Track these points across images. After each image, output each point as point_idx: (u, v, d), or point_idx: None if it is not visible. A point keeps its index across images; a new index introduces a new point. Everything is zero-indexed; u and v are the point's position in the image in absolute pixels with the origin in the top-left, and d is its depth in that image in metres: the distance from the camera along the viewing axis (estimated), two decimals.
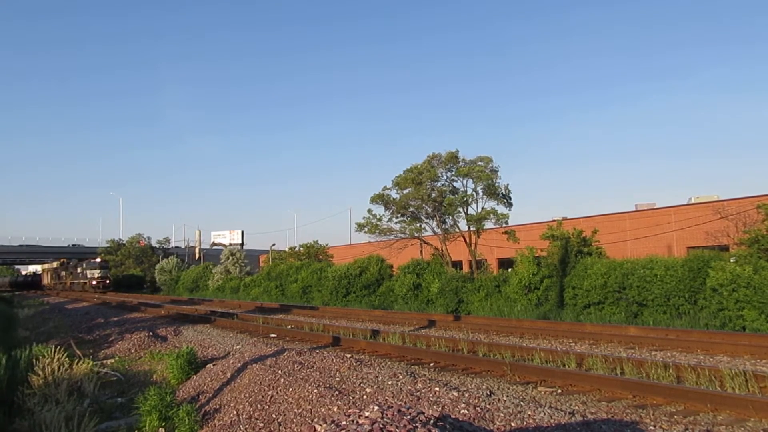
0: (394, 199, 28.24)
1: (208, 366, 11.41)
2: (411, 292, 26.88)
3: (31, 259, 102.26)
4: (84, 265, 63.61)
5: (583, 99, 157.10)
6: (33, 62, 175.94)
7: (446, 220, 28.00)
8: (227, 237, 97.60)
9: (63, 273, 72.98)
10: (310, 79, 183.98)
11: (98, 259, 64.81)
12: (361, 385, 8.19)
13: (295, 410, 7.45)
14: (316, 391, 7.85)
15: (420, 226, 28.50)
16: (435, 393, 7.39)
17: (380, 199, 28.56)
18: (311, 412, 7.22)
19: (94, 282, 59.80)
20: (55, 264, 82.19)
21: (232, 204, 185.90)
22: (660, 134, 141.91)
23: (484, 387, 8.24)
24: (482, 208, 26.63)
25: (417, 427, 3.99)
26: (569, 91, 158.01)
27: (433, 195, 27.22)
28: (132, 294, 56.17)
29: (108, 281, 61.42)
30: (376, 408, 4.36)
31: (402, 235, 28.80)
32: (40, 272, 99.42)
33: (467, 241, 27.25)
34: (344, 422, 4.14)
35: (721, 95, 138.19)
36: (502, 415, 6.41)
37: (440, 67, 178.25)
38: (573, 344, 13.20)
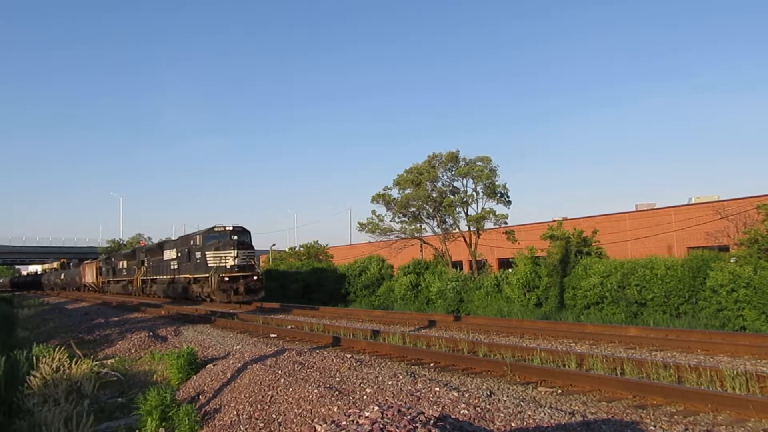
0: (394, 199, 28.28)
1: (208, 366, 11.40)
2: (411, 293, 26.90)
3: (31, 259, 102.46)
4: (197, 240, 29.26)
5: (583, 99, 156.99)
6: (33, 62, 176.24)
7: (446, 220, 28.03)
8: None
9: (124, 264, 42.51)
10: (311, 78, 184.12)
11: (230, 227, 28.75)
12: (361, 385, 8.18)
13: (296, 410, 7.44)
14: (316, 391, 7.84)
15: (420, 226, 28.55)
16: (435, 393, 7.38)
17: (381, 198, 28.60)
18: (311, 413, 7.22)
19: (226, 278, 27.07)
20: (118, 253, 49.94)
21: (232, 204, 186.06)
22: (660, 134, 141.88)
23: (484, 387, 8.23)
24: (482, 208, 26.65)
25: (417, 427, 3.99)
26: (569, 92, 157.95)
27: (434, 195, 27.25)
28: (132, 295, 55.98)
29: (257, 277, 28.03)
30: (376, 408, 4.35)
31: (403, 235, 28.84)
32: (40, 273, 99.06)
33: (467, 241, 27.26)
34: (344, 422, 4.13)
35: (721, 95, 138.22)
36: (502, 415, 6.41)
37: (441, 67, 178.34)
38: (573, 344, 13.18)
